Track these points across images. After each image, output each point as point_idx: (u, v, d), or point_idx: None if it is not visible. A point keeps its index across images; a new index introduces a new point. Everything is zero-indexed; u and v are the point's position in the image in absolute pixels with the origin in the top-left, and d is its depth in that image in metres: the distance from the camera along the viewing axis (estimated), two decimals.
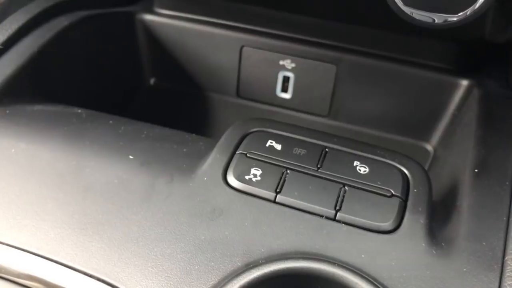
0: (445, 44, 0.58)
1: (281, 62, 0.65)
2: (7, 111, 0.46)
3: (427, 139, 0.63)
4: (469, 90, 0.56)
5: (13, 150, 0.41)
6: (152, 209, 0.37)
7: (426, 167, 0.60)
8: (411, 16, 0.36)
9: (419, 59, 0.60)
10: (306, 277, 0.33)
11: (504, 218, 0.36)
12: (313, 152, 0.40)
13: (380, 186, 0.38)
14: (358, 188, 0.38)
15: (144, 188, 0.38)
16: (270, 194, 0.37)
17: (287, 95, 0.67)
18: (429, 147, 0.62)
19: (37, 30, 0.55)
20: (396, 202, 0.37)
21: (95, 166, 0.40)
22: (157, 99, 0.72)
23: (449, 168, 0.49)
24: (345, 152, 0.41)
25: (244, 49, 0.65)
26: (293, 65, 0.64)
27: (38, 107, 0.48)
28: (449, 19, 0.36)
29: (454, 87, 0.58)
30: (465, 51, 0.59)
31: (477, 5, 0.36)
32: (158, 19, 0.67)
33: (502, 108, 0.48)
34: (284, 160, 0.39)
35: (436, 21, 0.36)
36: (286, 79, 0.66)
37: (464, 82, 0.57)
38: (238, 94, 0.69)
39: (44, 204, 0.38)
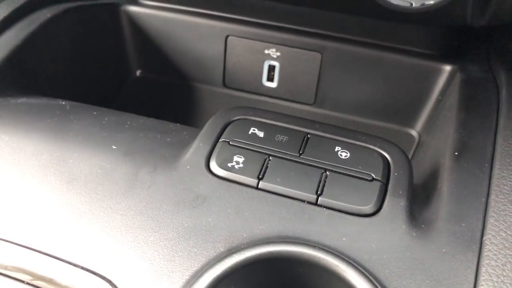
0: (428, 30, 0.59)
1: (266, 51, 0.65)
2: None
3: (412, 125, 0.63)
4: (452, 75, 0.57)
5: None
6: (136, 198, 0.37)
7: (411, 153, 0.61)
8: (389, 2, 0.37)
9: (402, 46, 0.60)
10: (288, 261, 0.33)
11: (483, 200, 0.37)
12: (295, 139, 0.41)
13: (361, 171, 0.38)
14: (339, 172, 0.38)
15: (128, 177, 0.39)
16: (253, 181, 0.38)
17: (273, 84, 0.67)
18: (414, 133, 0.63)
19: (20, 22, 0.54)
20: (376, 185, 0.37)
21: (78, 157, 0.40)
22: (144, 90, 0.72)
23: (431, 152, 0.49)
24: (327, 138, 0.41)
25: (229, 38, 0.65)
26: (278, 54, 0.65)
27: (22, 100, 0.48)
28: (426, 2, 0.36)
29: (437, 72, 0.58)
30: (448, 36, 0.59)
31: None
32: (143, 10, 0.67)
33: (483, 91, 0.48)
34: (266, 147, 0.40)
35: (413, 5, 0.36)
36: (271, 68, 0.66)
37: (447, 67, 0.57)
38: (224, 84, 0.69)
39: (29, 195, 0.38)
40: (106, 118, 0.45)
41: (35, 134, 0.43)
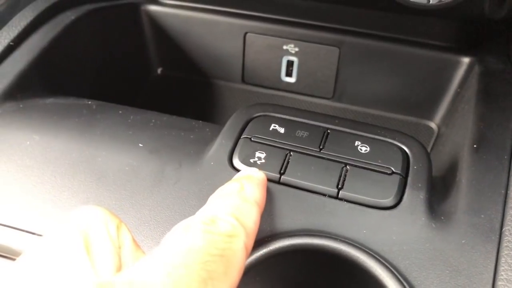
0: (446, 22, 0.59)
1: (284, 47, 0.66)
2: (21, 105, 0.48)
3: (431, 117, 0.64)
4: (471, 67, 0.57)
5: (28, 143, 0.43)
6: (162, 194, 0.39)
7: (431, 145, 0.62)
8: None
9: (420, 38, 0.61)
10: (311, 253, 0.34)
11: (502, 191, 0.37)
12: (316, 134, 0.41)
13: (380, 164, 0.39)
14: (359, 167, 0.39)
15: (154, 174, 0.40)
16: (275, 176, 0.39)
17: (291, 79, 0.68)
18: (433, 125, 0.63)
19: (46, 25, 0.56)
20: (396, 179, 0.38)
21: (107, 155, 0.42)
22: (165, 88, 0.74)
23: (450, 145, 0.50)
24: (347, 132, 0.42)
25: (248, 35, 0.67)
26: (296, 49, 0.65)
27: (50, 100, 0.50)
28: None
29: (455, 64, 0.59)
30: (466, 28, 0.59)
31: None
32: (163, 9, 0.69)
33: (502, 83, 0.48)
34: (287, 142, 0.41)
35: (430, 2, 0.37)
36: (290, 64, 0.67)
37: (466, 60, 0.58)
38: (244, 80, 0.70)
39: (60, 192, 0.40)
40: (131, 117, 0.46)
41: (64, 134, 0.44)
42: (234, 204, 0.30)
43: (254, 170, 0.37)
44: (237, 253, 0.26)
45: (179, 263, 0.23)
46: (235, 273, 0.25)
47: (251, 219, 0.29)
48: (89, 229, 0.26)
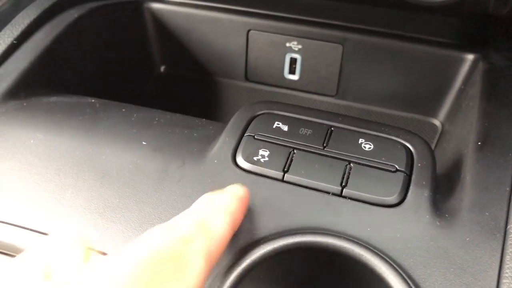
0: (449, 19, 0.58)
1: (287, 44, 0.66)
2: (24, 104, 0.48)
3: (435, 114, 0.63)
4: (475, 64, 0.57)
5: (31, 141, 0.43)
6: (166, 192, 0.39)
7: (434, 142, 0.61)
8: None
9: (424, 35, 0.60)
10: (314, 251, 0.34)
11: (507, 189, 0.37)
12: (319, 132, 0.41)
13: (384, 162, 0.39)
14: (363, 164, 0.39)
15: (158, 172, 0.40)
16: (278, 174, 0.39)
17: (295, 77, 0.68)
18: (437, 122, 0.63)
19: (49, 23, 0.56)
20: (400, 176, 0.38)
21: (110, 153, 0.42)
22: (168, 86, 0.74)
23: (454, 142, 0.50)
24: (350, 130, 0.42)
25: (251, 32, 0.66)
26: (299, 46, 0.65)
27: (53, 99, 0.50)
28: None
29: (459, 61, 0.58)
30: (470, 25, 0.59)
31: None
32: (165, 6, 0.68)
33: (506, 80, 0.48)
34: (291, 140, 0.41)
35: None
36: (293, 61, 0.67)
37: (470, 56, 0.57)
38: (247, 78, 0.70)
39: (64, 191, 0.40)
40: (134, 115, 0.46)
41: (67, 132, 0.44)
42: (198, 211, 0.30)
43: (237, 186, 0.35)
44: (191, 258, 0.26)
45: (128, 269, 0.24)
46: (189, 277, 0.26)
47: (215, 225, 0.30)
48: (52, 259, 0.26)
